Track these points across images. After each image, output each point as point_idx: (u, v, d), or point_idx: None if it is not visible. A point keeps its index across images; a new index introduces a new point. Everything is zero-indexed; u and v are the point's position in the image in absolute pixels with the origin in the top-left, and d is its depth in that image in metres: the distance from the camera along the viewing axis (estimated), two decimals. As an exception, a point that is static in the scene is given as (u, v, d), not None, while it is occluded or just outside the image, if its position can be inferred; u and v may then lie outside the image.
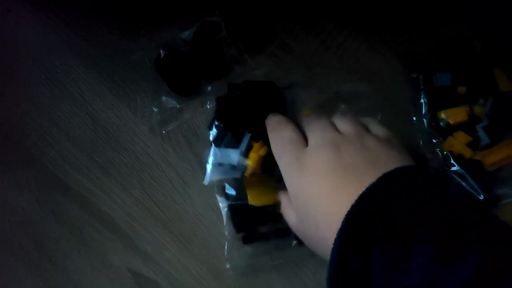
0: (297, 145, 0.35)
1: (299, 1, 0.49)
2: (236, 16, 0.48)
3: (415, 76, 0.46)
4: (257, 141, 0.40)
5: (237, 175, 0.40)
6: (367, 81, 0.47)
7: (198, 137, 0.48)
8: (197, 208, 0.46)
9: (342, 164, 0.32)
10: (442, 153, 0.43)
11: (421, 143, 0.44)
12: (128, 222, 0.47)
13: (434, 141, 0.44)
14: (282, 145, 0.36)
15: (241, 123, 0.41)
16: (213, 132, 0.42)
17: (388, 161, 0.32)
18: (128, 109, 0.49)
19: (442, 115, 0.43)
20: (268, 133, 0.39)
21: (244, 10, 0.49)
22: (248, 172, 0.39)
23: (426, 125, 0.44)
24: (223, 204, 0.45)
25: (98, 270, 0.46)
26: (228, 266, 0.44)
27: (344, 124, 0.36)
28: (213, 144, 0.42)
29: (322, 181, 0.32)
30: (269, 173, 0.40)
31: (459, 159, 0.42)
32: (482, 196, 0.41)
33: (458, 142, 0.42)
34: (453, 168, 0.42)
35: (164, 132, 0.48)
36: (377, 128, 0.37)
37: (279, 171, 0.37)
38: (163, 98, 0.48)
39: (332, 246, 0.29)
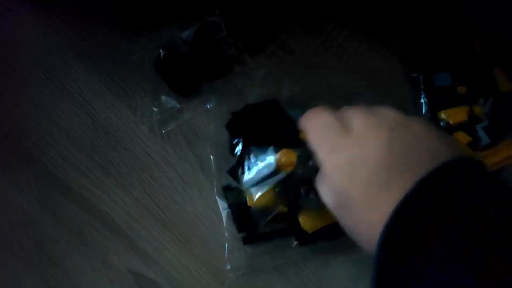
0: (339, 131, 0.31)
1: (299, 1, 0.49)
2: (236, 16, 0.48)
3: (415, 76, 0.46)
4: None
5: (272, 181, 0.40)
6: (367, 81, 0.47)
7: (198, 137, 0.48)
8: (197, 208, 0.46)
9: (394, 153, 0.29)
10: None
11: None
12: (128, 222, 0.47)
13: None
14: (320, 132, 0.33)
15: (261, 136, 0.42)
16: (238, 151, 0.43)
17: (441, 149, 0.28)
18: (128, 109, 0.49)
19: (442, 115, 0.43)
20: (304, 125, 0.35)
21: (244, 10, 0.49)
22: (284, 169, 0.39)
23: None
24: (223, 205, 0.45)
25: (98, 270, 0.46)
26: (228, 267, 0.44)
27: (385, 110, 0.32)
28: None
29: (372, 171, 0.29)
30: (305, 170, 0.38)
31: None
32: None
33: (459, 142, 0.42)
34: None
35: (164, 132, 0.48)
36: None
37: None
38: (163, 98, 0.48)
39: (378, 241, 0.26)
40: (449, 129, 0.43)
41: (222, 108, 0.47)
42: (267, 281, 0.44)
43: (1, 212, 0.48)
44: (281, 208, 0.44)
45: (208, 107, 0.48)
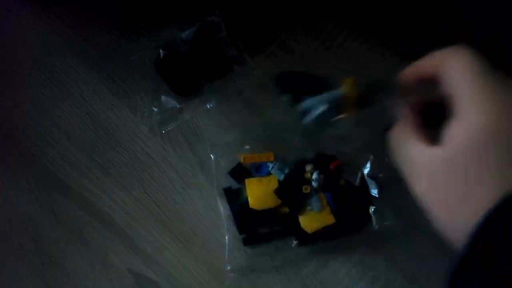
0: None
1: (299, 1, 0.49)
2: (236, 16, 0.48)
3: None
4: None
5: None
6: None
7: (198, 137, 0.48)
8: (197, 208, 0.46)
9: None
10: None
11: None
12: (128, 222, 0.47)
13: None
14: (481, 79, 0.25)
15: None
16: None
17: None
18: (128, 109, 0.49)
19: None
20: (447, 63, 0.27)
21: (244, 10, 0.49)
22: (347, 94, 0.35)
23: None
24: (223, 206, 0.45)
25: (98, 270, 0.46)
26: (228, 267, 0.44)
27: None
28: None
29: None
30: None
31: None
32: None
33: None
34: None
35: (164, 132, 0.48)
36: None
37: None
38: (163, 98, 0.48)
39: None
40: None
41: (222, 108, 0.48)
42: (267, 281, 0.44)
43: (1, 212, 0.48)
44: (282, 208, 0.44)
45: (208, 107, 0.48)
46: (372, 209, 0.44)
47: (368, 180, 0.44)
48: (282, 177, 0.44)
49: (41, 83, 0.50)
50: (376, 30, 0.48)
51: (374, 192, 0.44)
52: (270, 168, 0.45)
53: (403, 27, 0.48)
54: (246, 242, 0.44)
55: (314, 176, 0.43)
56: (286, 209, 0.43)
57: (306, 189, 0.44)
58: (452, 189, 0.25)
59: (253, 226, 0.44)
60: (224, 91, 0.47)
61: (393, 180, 0.45)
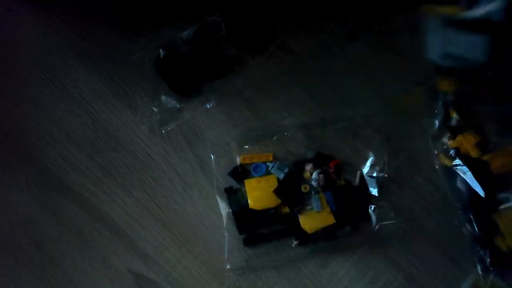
0: None
1: (299, 1, 0.49)
2: (236, 16, 0.48)
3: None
4: None
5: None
6: (367, 81, 0.47)
7: (198, 137, 0.48)
8: (197, 209, 0.46)
9: None
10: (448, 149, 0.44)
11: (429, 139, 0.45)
12: (128, 222, 0.47)
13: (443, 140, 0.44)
14: None
15: None
16: None
17: None
18: (128, 109, 0.49)
19: (454, 114, 0.44)
20: None
21: (244, 10, 0.49)
22: None
23: (436, 123, 0.45)
24: (223, 206, 0.45)
25: (98, 270, 0.46)
26: (228, 267, 0.44)
27: None
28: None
29: None
30: None
31: (466, 157, 0.43)
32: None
33: (467, 141, 0.42)
34: (455, 162, 0.43)
35: (164, 132, 0.48)
36: None
37: None
38: (163, 98, 0.48)
39: None
40: (460, 128, 0.43)
41: (222, 108, 0.48)
42: (267, 281, 0.44)
43: (1, 212, 0.48)
44: (282, 208, 0.44)
45: (208, 107, 0.48)
46: (372, 209, 0.44)
47: (368, 180, 0.44)
48: (282, 176, 0.44)
49: (41, 83, 0.50)
50: (376, 29, 0.48)
51: (374, 191, 0.44)
52: (270, 168, 0.45)
53: (403, 27, 0.48)
54: (246, 242, 0.44)
55: (314, 175, 0.44)
56: (286, 209, 0.44)
57: (305, 188, 0.44)
58: None
59: (253, 226, 0.44)
60: (224, 91, 0.47)
61: (393, 180, 0.45)
